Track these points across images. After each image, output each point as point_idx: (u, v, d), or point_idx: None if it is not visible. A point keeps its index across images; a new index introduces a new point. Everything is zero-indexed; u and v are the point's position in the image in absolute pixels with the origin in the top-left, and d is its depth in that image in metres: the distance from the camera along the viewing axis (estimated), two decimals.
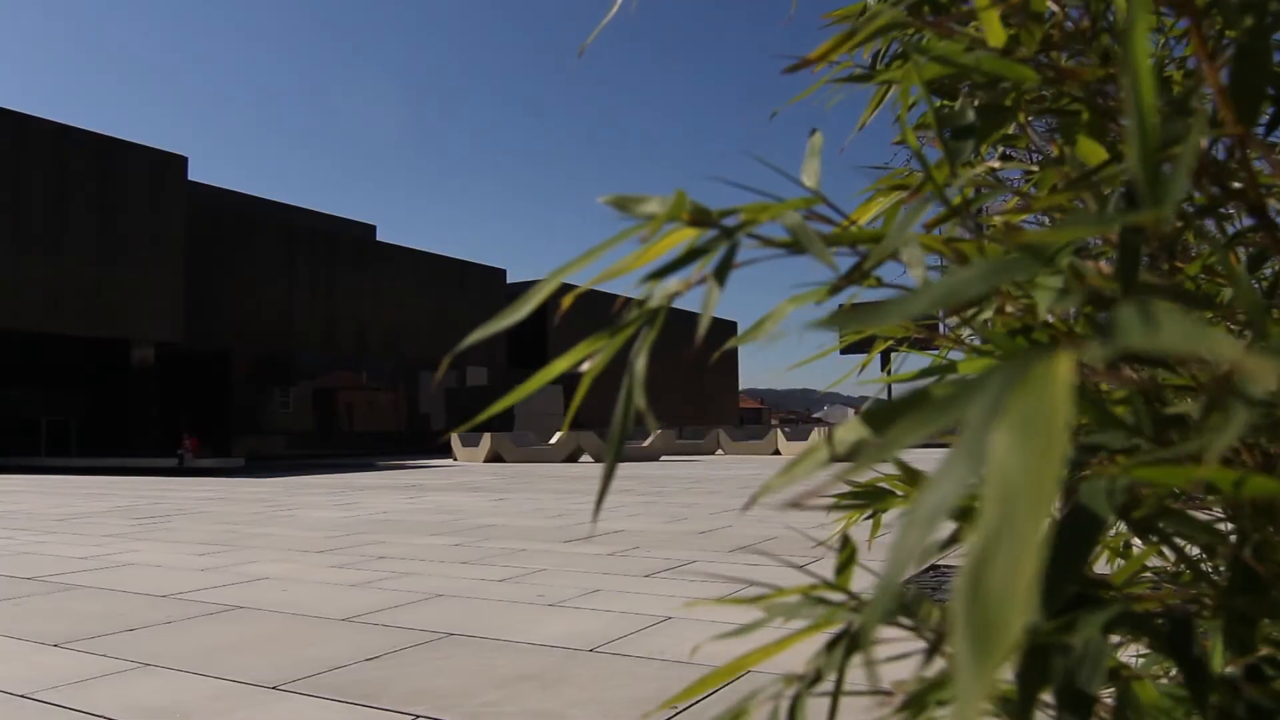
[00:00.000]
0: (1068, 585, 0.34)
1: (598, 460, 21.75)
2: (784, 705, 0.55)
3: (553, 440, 23.00)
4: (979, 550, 0.24)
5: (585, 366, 0.49)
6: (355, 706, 2.72)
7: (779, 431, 26.48)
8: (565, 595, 4.43)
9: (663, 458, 23.02)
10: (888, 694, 0.54)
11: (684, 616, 3.90)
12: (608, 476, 0.46)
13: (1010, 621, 0.23)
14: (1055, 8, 0.52)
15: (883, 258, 0.44)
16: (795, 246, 0.44)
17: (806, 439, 24.42)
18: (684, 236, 0.46)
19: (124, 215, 25.46)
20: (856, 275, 0.47)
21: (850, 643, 0.51)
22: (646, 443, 23.23)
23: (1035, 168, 0.80)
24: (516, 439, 23.72)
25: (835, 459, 0.39)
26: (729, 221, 0.45)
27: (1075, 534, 0.34)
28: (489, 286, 40.66)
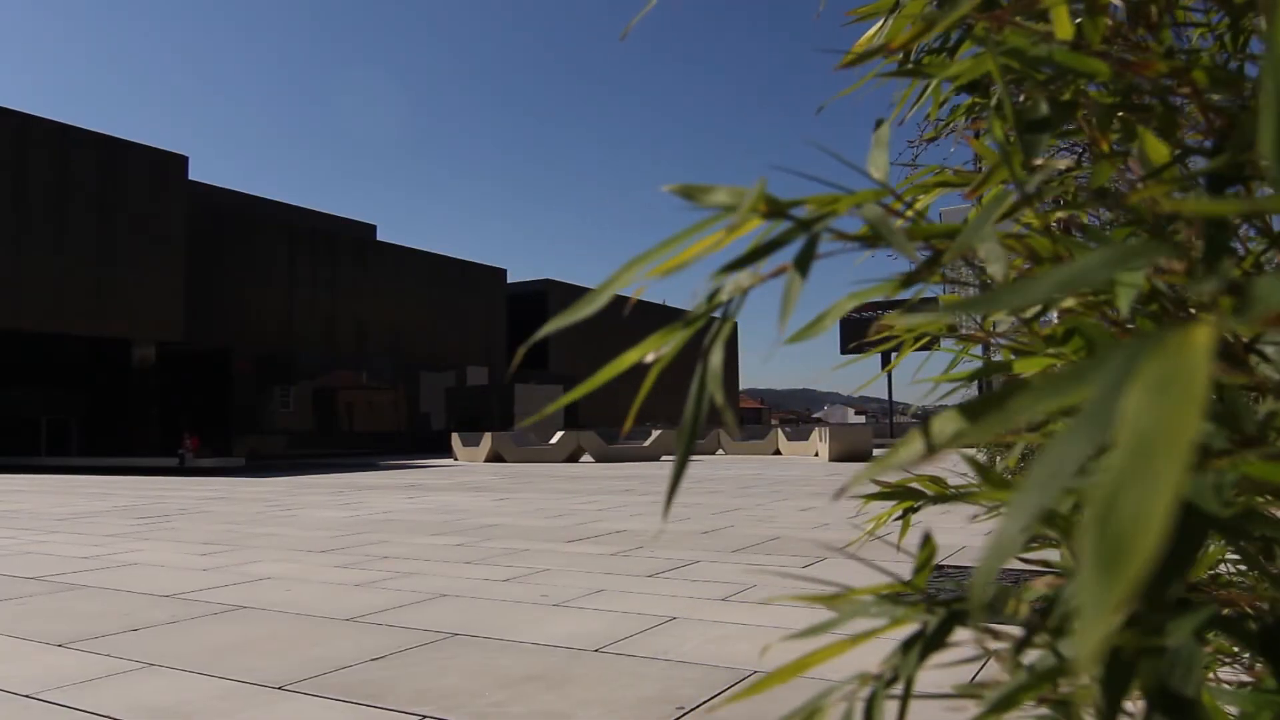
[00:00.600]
0: (1173, 586, 0.34)
1: (599, 460, 21.73)
2: (859, 706, 0.54)
3: (553, 440, 22.99)
4: (1110, 483, 0.24)
5: (651, 358, 0.48)
6: (361, 707, 2.71)
7: (780, 431, 26.47)
8: (569, 595, 4.42)
9: (663, 458, 23.01)
10: (965, 697, 0.52)
11: (688, 617, 3.89)
12: (678, 473, 0.45)
13: (1141, 547, 0.23)
14: (1119, 2, 0.51)
15: (960, 252, 0.43)
16: (870, 240, 0.43)
17: (807, 439, 24.41)
18: (749, 228, 0.45)
19: (125, 215, 25.45)
20: (931, 270, 0.46)
21: (927, 643, 0.50)
22: (647, 443, 23.22)
23: (1067, 165, 0.79)
24: (517, 438, 23.70)
25: (934, 447, 0.38)
26: (798, 213, 0.44)
27: (1180, 532, 0.33)
28: (489, 286, 40.64)
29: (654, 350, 0.48)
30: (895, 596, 0.59)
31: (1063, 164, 0.53)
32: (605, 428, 28.60)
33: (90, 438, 27.95)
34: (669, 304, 49.59)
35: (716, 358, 0.44)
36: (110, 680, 3.03)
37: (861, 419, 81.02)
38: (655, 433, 23.95)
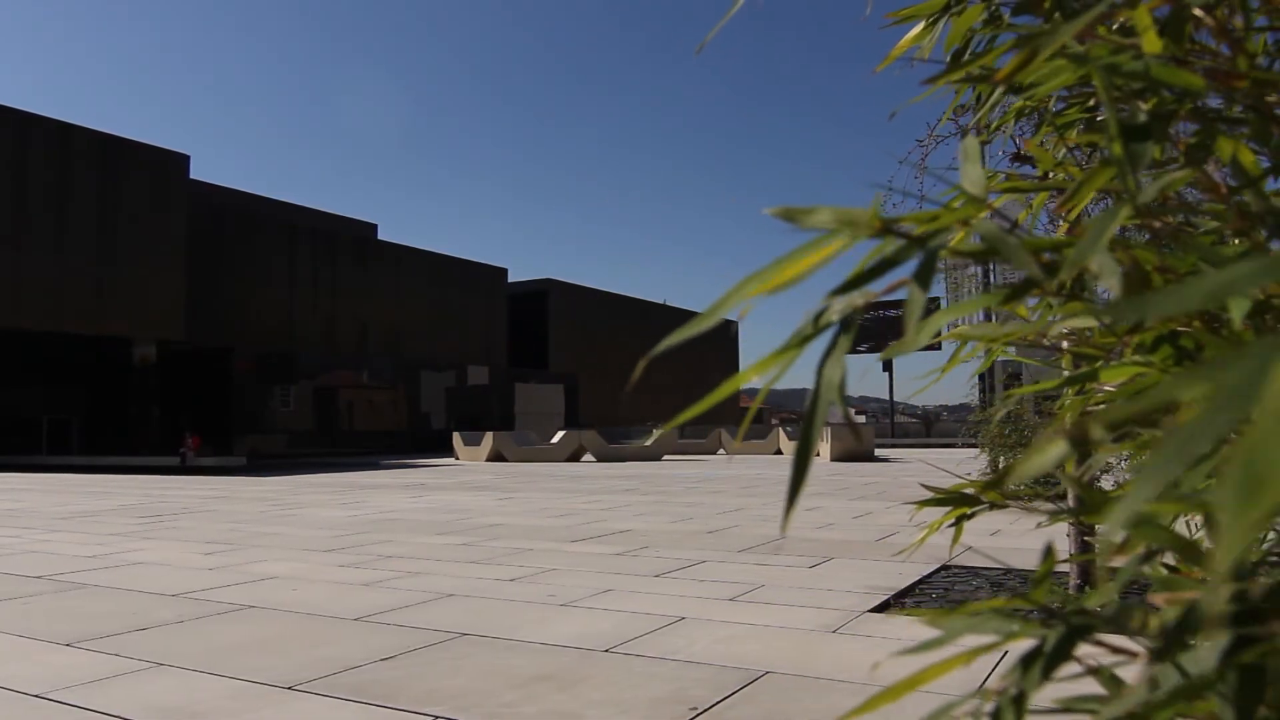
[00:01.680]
0: None
1: (600, 460, 21.71)
2: None
3: (555, 439, 22.97)
4: (1255, 436, 0.28)
5: (758, 382, 0.47)
6: (372, 707, 2.70)
7: (781, 431, 26.47)
8: (576, 595, 4.41)
9: (664, 457, 23.00)
10: (1077, 712, 0.51)
11: (697, 617, 3.88)
12: (799, 477, 0.44)
13: (1276, 484, 0.27)
14: (1201, 12, 0.51)
15: (1080, 264, 0.43)
16: (984, 255, 0.43)
17: None
18: (848, 246, 0.45)
19: (126, 214, 25.43)
20: (1040, 283, 0.45)
21: (1050, 658, 0.49)
22: (648, 442, 23.21)
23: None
24: (518, 438, 23.69)
25: (1086, 437, 0.38)
26: (907, 229, 0.43)
27: None
28: (490, 286, 40.62)
29: (760, 374, 0.47)
30: (1009, 611, 0.57)
31: (1180, 174, 0.52)
32: (607, 427, 28.59)
33: (91, 437, 27.93)
34: (670, 304, 49.62)
35: (834, 371, 0.43)
36: (119, 680, 3.02)
37: (862, 419, 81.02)
38: (656, 432, 23.91)
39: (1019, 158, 4.56)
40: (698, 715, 2.59)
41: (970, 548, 6.23)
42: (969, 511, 0.85)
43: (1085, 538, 4.06)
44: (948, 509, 0.87)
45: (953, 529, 0.93)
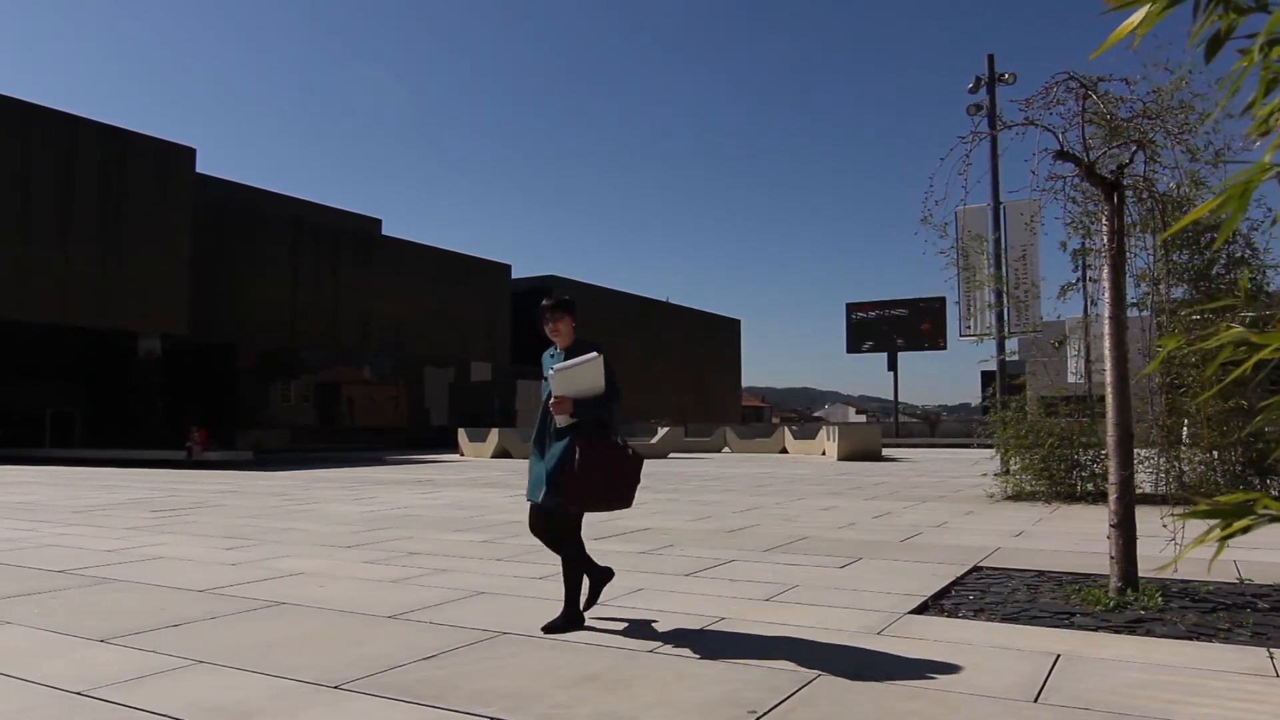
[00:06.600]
0: None
1: None
2: None
3: None
4: None
5: None
6: (424, 707, 2.65)
7: (786, 430, 26.41)
8: (609, 594, 4.34)
9: (670, 455, 22.93)
10: None
11: (737, 617, 3.83)
12: None
13: None
14: None
15: None
16: None
17: (814, 438, 24.34)
18: None
19: (130, 207, 25.32)
20: None
21: None
22: (654, 440, 23.14)
23: None
24: (524, 435, 23.61)
25: None
26: None
27: None
28: (493, 281, 40.52)
29: None
30: None
31: None
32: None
33: (94, 430, 27.85)
34: (671, 300, 49.47)
35: None
36: (160, 678, 2.97)
37: (862, 418, 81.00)
38: (662, 430, 23.86)
39: (1062, 155, 4.44)
40: (759, 719, 2.54)
41: (999, 549, 6.17)
42: (1248, 524, 0.77)
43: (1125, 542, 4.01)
44: (1218, 521, 0.79)
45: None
